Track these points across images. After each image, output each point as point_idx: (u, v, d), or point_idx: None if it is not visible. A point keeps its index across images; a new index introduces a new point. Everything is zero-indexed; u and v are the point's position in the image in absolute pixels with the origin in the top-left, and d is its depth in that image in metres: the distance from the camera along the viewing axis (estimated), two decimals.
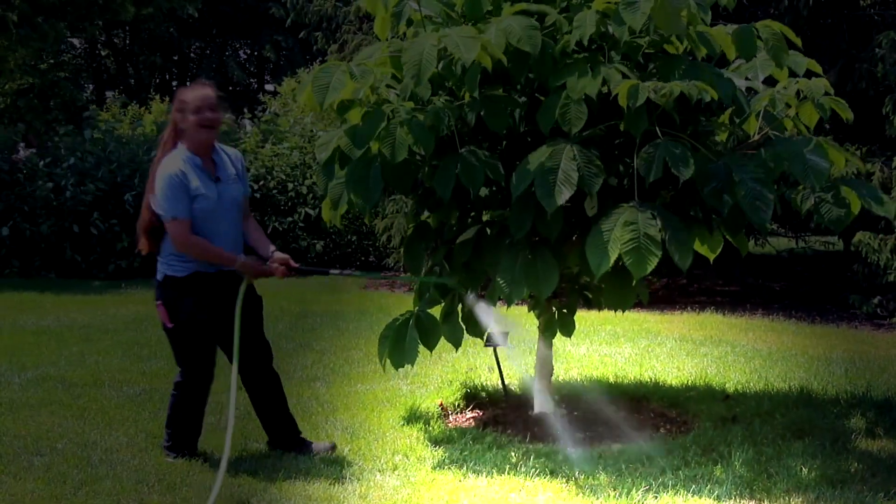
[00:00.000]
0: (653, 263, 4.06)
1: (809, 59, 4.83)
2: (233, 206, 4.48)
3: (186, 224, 4.31)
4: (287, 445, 4.78)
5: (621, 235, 4.09)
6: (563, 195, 4.18)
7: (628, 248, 4.07)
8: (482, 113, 4.53)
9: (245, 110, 19.34)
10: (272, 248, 4.60)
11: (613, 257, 4.09)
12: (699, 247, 5.01)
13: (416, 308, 5.04)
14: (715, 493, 4.18)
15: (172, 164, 4.33)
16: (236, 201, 4.51)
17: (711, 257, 5.14)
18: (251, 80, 33.78)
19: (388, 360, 4.88)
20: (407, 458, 4.71)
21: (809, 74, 4.81)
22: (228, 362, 4.57)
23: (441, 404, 5.66)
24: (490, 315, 4.99)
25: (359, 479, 4.38)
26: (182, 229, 4.30)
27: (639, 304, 8.04)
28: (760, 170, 4.29)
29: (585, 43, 4.43)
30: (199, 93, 4.39)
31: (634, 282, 4.41)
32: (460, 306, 5.13)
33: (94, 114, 15.12)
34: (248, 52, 32.98)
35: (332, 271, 4.93)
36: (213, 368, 4.61)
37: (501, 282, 4.56)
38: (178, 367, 4.60)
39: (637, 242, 4.07)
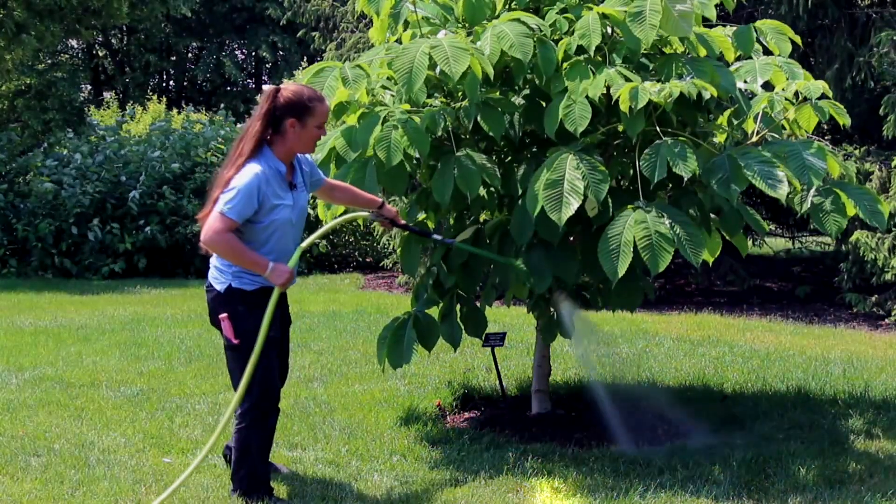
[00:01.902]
0: (668, 259, 4.09)
1: (806, 73, 4.83)
2: (303, 214, 4.19)
3: (232, 225, 3.91)
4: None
5: (636, 234, 4.10)
6: (572, 206, 4.18)
7: (643, 245, 4.09)
8: (479, 118, 4.53)
9: (242, 111, 19.32)
10: (380, 200, 4.47)
11: (626, 262, 4.09)
12: None
13: (414, 308, 5.04)
14: (713, 494, 4.19)
15: (257, 170, 3.93)
16: (305, 209, 4.22)
17: (710, 259, 5.14)
18: (249, 80, 33.76)
19: (387, 362, 4.89)
20: (405, 458, 4.71)
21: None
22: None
23: (439, 405, 5.66)
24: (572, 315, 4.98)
25: (356, 480, 4.38)
26: (226, 225, 3.89)
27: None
28: (764, 156, 4.30)
29: (592, 52, 4.42)
30: (325, 106, 4.07)
31: (643, 280, 4.41)
32: (458, 306, 5.14)
33: (89, 118, 15.13)
34: (245, 51, 32.94)
35: (434, 236, 4.67)
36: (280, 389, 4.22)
37: (523, 276, 4.59)
38: (236, 390, 4.03)
39: (650, 240, 4.09)
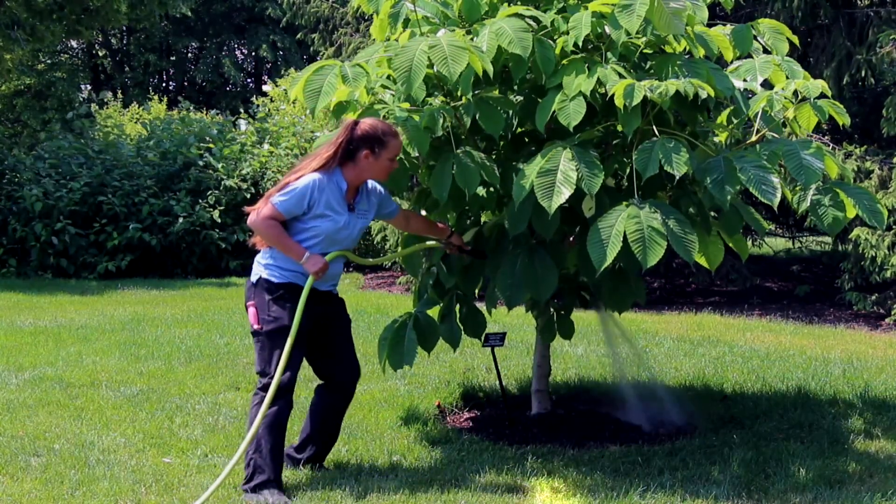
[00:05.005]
0: (659, 253, 4.06)
1: (805, 73, 4.81)
2: (353, 239, 4.42)
3: (277, 215, 4.23)
4: (311, 458, 4.60)
5: (627, 228, 4.08)
6: (563, 195, 4.17)
7: (634, 238, 4.07)
8: (477, 116, 4.53)
9: (241, 111, 19.30)
10: (450, 229, 4.87)
11: (614, 253, 4.08)
12: (699, 257, 4.98)
13: (415, 309, 5.04)
14: (713, 494, 4.18)
15: (315, 177, 4.26)
16: (356, 234, 4.44)
17: (713, 268, 5.11)
18: (248, 80, 33.79)
19: (387, 363, 4.89)
20: (405, 458, 4.71)
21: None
22: (316, 376, 4.53)
23: (439, 405, 5.66)
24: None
25: (356, 480, 4.38)
26: (271, 213, 4.22)
27: (636, 305, 8.05)
28: (760, 159, 4.29)
29: (580, 43, 4.43)
30: (399, 140, 4.36)
31: (635, 283, 4.39)
32: (458, 307, 5.14)
33: (82, 112, 15.08)
34: (245, 51, 32.96)
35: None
36: (295, 381, 4.32)
37: (500, 287, 4.62)
38: (258, 375, 4.32)
39: (641, 234, 4.08)
